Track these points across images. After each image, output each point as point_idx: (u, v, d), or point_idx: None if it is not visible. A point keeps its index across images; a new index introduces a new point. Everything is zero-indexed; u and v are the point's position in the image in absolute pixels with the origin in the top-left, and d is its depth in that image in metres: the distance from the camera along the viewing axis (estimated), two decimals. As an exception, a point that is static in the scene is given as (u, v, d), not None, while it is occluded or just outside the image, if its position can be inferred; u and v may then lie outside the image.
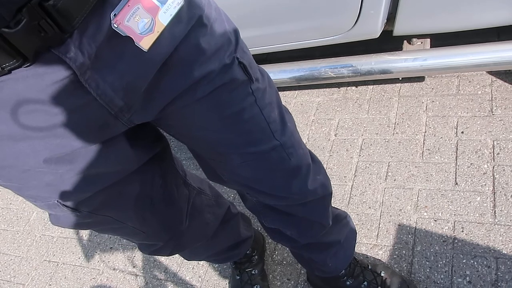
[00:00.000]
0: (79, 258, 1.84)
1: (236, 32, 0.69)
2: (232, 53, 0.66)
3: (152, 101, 0.61)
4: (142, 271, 1.67)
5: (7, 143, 0.54)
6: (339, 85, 1.94)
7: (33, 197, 0.67)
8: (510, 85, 1.60)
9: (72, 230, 1.95)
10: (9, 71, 0.47)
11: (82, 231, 1.93)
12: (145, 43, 0.52)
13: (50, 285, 1.79)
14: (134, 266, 1.70)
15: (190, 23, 0.58)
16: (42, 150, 0.56)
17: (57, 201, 0.67)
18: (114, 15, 0.49)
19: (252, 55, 0.76)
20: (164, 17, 0.53)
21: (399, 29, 1.47)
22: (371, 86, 1.87)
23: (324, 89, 1.96)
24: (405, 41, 1.64)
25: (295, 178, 0.86)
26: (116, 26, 0.50)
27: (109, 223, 0.80)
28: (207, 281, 1.54)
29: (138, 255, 1.73)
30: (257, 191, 0.88)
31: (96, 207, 0.73)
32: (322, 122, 1.83)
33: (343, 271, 1.22)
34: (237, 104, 0.69)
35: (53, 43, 0.47)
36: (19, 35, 0.44)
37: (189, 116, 0.67)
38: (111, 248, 1.80)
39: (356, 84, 1.91)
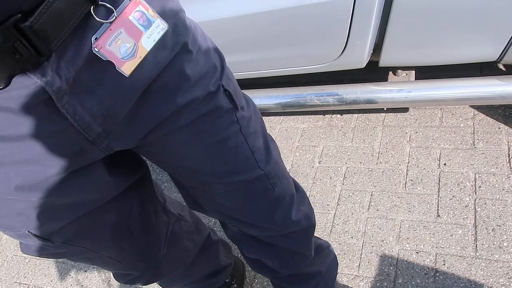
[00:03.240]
0: (52, 280, 1.77)
1: (221, 59, 0.68)
2: (218, 80, 0.65)
3: (132, 128, 0.59)
4: (116, 297, 1.61)
5: None
6: (324, 112, 1.94)
7: (3, 226, 0.64)
8: (491, 119, 1.62)
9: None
10: None
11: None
12: (126, 68, 0.51)
13: (19, 309, 1.72)
14: (108, 291, 1.64)
15: (175, 50, 0.57)
16: (14, 177, 0.54)
17: (28, 231, 0.63)
18: (95, 39, 0.48)
19: (239, 79, 0.74)
20: (148, 42, 0.52)
21: (384, 60, 1.49)
22: (356, 115, 1.87)
23: (309, 116, 1.96)
24: (390, 72, 1.66)
25: (278, 208, 0.84)
26: (97, 50, 0.48)
27: (84, 253, 0.76)
28: (184, 309, 1.49)
29: (114, 279, 1.67)
30: (239, 221, 0.86)
31: (70, 237, 0.69)
32: (307, 148, 1.83)
33: (324, 303, 1.19)
34: (221, 133, 0.68)
35: (29, 65, 0.44)
36: None
37: (171, 144, 0.65)
38: (85, 271, 1.74)
39: (341, 112, 1.91)
